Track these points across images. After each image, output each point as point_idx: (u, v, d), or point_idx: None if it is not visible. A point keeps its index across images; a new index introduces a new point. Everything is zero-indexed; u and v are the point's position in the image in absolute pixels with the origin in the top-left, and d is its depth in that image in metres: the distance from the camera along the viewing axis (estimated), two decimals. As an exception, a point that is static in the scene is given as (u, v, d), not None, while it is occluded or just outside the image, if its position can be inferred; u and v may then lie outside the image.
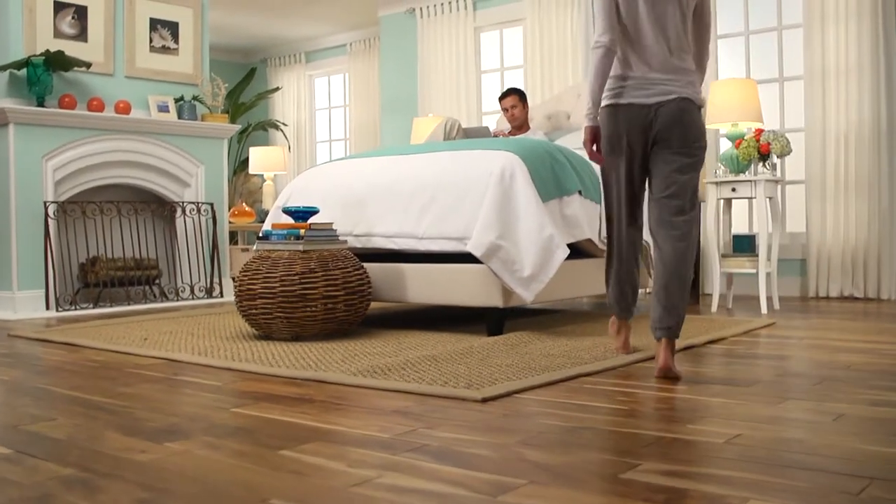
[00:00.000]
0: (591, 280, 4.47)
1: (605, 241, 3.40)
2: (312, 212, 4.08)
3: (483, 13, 7.52)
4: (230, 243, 7.88)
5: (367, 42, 8.90)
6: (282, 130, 9.28)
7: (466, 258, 4.00)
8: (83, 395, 2.77)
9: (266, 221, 4.78)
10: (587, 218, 4.24)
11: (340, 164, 4.75)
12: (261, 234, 4.16)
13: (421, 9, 7.81)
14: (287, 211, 4.09)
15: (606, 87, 3.12)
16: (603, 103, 3.14)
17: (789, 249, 5.92)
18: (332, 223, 4.14)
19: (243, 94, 9.49)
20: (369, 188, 4.40)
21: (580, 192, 4.23)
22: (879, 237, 5.55)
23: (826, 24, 5.71)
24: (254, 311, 3.93)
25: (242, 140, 9.26)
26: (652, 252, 3.34)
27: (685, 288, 2.98)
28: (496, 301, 3.92)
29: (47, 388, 2.88)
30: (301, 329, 3.88)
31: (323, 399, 2.63)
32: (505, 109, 5.91)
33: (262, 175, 9.04)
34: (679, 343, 3.55)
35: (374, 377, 2.91)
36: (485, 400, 2.55)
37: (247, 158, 9.12)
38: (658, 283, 2.99)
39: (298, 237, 3.97)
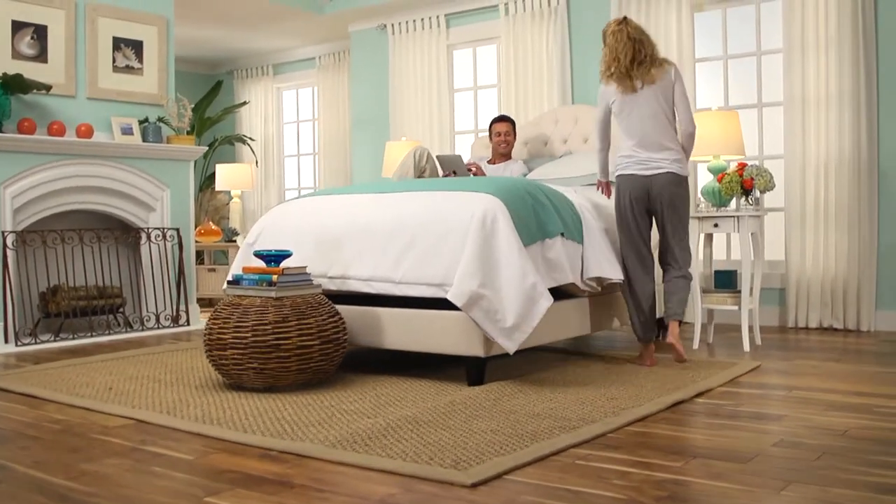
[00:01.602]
0: (574, 321, 4.35)
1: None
2: (285, 255, 3.92)
3: (456, 30, 7.38)
4: (196, 263, 7.67)
5: (336, 56, 8.71)
6: (249, 145, 9.07)
7: (445, 303, 3.86)
8: (44, 475, 2.59)
9: (234, 262, 4.61)
10: (569, 260, 4.12)
11: (312, 200, 4.59)
12: (231, 279, 4.00)
13: (393, 25, 7.65)
14: (259, 255, 3.92)
15: (618, 162, 4.36)
16: (616, 173, 4.37)
17: (768, 278, 5.85)
18: (305, 267, 3.98)
19: (209, 108, 9.25)
20: (344, 228, 4.25)
21: (562, 234, 4.11)
22: (859, 268, 5.49)
23: (806, 51, 5.65)
24: (224, 361, 3.76)
25: (208, 155, 9.02)
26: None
27: (685, 300, 4.35)
28: (477, 350, 3.79)
29: (6, 466, 2.70)
30: (274, 380, 3.72)
31: (303, 482, 2.48)
32: (497, 133, 5.78)
33: (228, 192, 8.83)
34: (666, 399, 3.45)
35: (355, 450, 2.77)
36: (474, 485, 2.41)
37: (213, 174, 8.91)
38: (670, 297, 4.34)
39: (271, 283, 3.80)
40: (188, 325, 6.33)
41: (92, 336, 5.71)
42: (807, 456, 2.66)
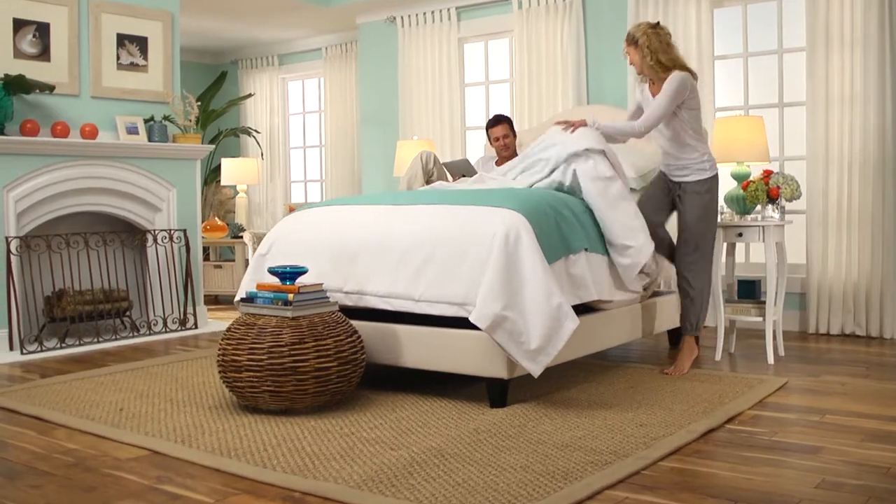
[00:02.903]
0: (596, 337, 4.23)
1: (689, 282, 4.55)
2: (300, 272, 3.79)
3: (467, 24, 7.21)
4: (202, 259, 7.53)
5: (343, 47, 8.54)
6: (255, 137, 8.91)
7: (466, 321, 3.73)
8: (58, 522, 2.48)
9: (246, 275, 4.48)
10: (594, 276, 4.00)
11: (326, 211, 4.46)
12: (245, 296, 3.87)
13: (402, 17, 7.48)
14: (273, 272, 3.79)
15: (710, 161, 4.53)
16: (712, 173, 4.52)
17: (788, 282, 5.71)
18: (321, 284, 3.85)
19: (214, 100, 9.08)
20: (360, 241, 4.12)
21: (586, 249, 3.98)
22: (883, 273, 5.37)
23: (830, 49, 5.49)
24: (239, 383, 3.64)
25: (213, 148, 8.86)
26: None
27: None
28: (500, 372, 3.67)
29: (17, 510, 2.59)
30: (291, 403, 3.61)
31: (329, 533, 2.37)
32: (496, 139, 5.62)
33: (234, 187, 8.69)
34: (697, 427, 3.34)
35: (381, 491, 2.65)
36: (511, 540, 2.30)
37: (218, 167, 8.76)
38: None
39: (286, 302, 3.68)
40: (196, 328, 6.21)
41: (98, 342, 5.59)
42: (853, 500, 2.55)
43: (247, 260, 7.89)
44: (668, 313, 4.95)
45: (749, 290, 4.93)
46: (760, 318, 4.75)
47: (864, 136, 5.39)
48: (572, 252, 3.89)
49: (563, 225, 3.92)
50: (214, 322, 6.56)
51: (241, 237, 7.92)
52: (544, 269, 3.64)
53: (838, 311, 5.54)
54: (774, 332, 4.87)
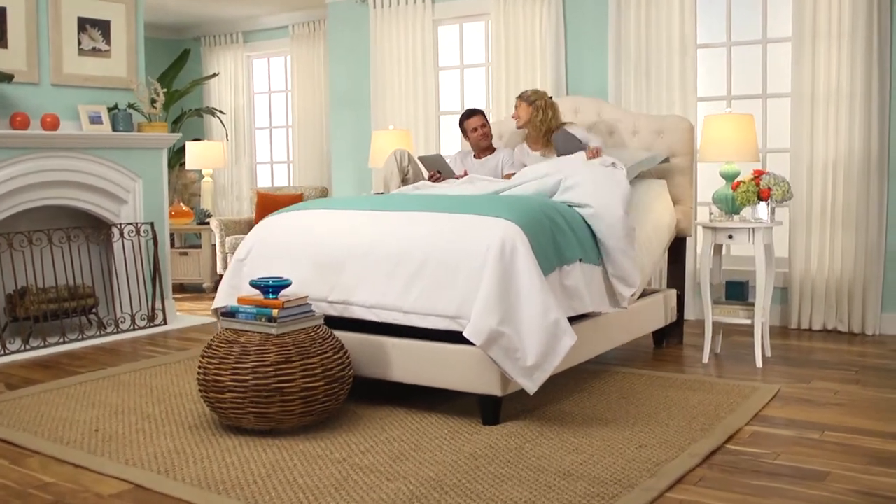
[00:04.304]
0: (589, 345, 4.11)
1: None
2: (284, 285, 3.62)
3: (442, 5, 7.00)
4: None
5: (311, 25, 8.27)
6: (219, 118, 8.63)
7: (458, 335, 3.60)
8: (42, 581, 2.32)
9: (223, 282, 4.29)
10: (588, 287, 3.88)
11: (307, 214, 4.27)
12: (226, 310, 3.69)
13: (374, -3, 7.25)
14: (255, 285, 3.61)
15: None
16: None
17: (770, 277, 5.68)
18: (306, 297, 3.69)
19: (176, 80, 8.76)
20: (346, 249, 3.94)
21: (580, 260, 3.86)
22: (866, 270, 5.34)
23: (817, 41, 5.40)
24: (222, 404, 3.48)
25: (177, 129, 8.57)
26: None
27: None
28: (494, 389, 3.56)
29: (-4, 566, 2.42)
30: (277, 423, 3.46)
31: (334, 592, 2.24)
32: (474, 129, 5.46)
33: (199, 171, 8.43)
34: (698, 449, 3.25)
35: (383, 537, 2.53)
36: None
37: (182, 149, 8.47)
38: None
39: (271, 318, 3.51)
40: (165, 324, 6.01)
41: (64, 342, 5.36)
42: (871, 541, 2.48)
43: (213, 246, 7.67)
44: (654, 314, 4.87)
45: (737, 292, 4.86)
46: (749, 321, 4.68)
47: (849, 132, 5.33)
48: (567, 263, 3.78)
49: (558, 235, 3.79)
50: (183, 316, 6.36)
51: (208, 223, 7.69)
52: (541, 282, 3.51)
53: (820, 306, 5.51)
54: (762, 332, 4.82)
